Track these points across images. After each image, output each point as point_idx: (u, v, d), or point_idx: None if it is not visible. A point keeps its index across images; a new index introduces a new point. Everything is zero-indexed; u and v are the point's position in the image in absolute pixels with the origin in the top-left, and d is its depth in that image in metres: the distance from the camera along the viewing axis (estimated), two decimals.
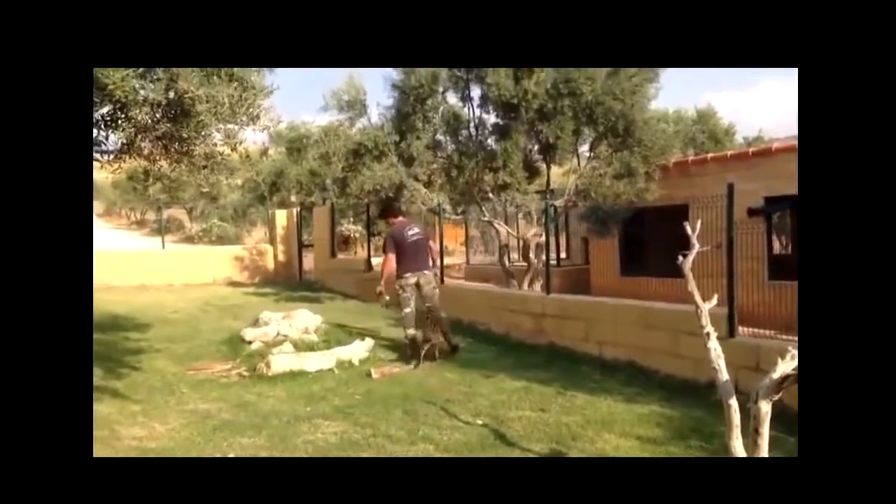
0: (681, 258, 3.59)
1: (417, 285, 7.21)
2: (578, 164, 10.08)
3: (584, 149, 10.12)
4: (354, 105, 9.80)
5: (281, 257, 15.19)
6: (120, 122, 4.00)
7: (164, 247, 15.68)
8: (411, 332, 7.14)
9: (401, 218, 7.73)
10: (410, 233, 7.31)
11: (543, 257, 9.04)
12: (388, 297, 7.43)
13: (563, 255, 14.62)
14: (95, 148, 4.03)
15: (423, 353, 6.95)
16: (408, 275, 7.20)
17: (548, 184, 10.22)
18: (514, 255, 12.03)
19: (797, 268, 2.51)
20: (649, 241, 10.59)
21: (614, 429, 4.75)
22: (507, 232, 10.65)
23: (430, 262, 7.48)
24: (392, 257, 7.19)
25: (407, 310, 7.17)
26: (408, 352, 7.17)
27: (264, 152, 21.78)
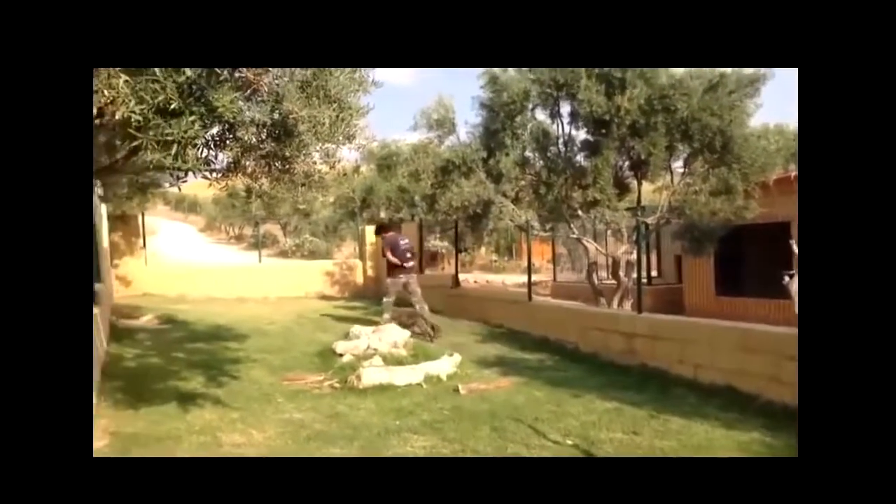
0: (787, 278, 3.44)
1: (406, 284, 9.37)
2: (671, 180, 9.80)
3: (677, 165, 9.83)
4: (444, 123, 9.93)
5: (370, 272, 15.52)
6: (228, 141, 4.22)
7: (260, 261, 16.34)
8: (387, 315, 9.31)
9: (392, 232, 9.90)
10: (402, 242, 9.54)
11: (634, 275, 8.83)
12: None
13: (654, 273, 14.22)
14: (205, 167, 4.24)
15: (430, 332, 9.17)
16: (401, 276, 9.33)
17: (639, 200, 9.99)
18: (602, 273, 11.80)
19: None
20: (748, 260, 10.15)
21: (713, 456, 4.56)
22: (596, 249, 10.47)
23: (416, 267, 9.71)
24: (391, 254, 9.46)
25: (390, 298, 9.48)
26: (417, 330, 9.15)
27: (356, 169, 22.37)
